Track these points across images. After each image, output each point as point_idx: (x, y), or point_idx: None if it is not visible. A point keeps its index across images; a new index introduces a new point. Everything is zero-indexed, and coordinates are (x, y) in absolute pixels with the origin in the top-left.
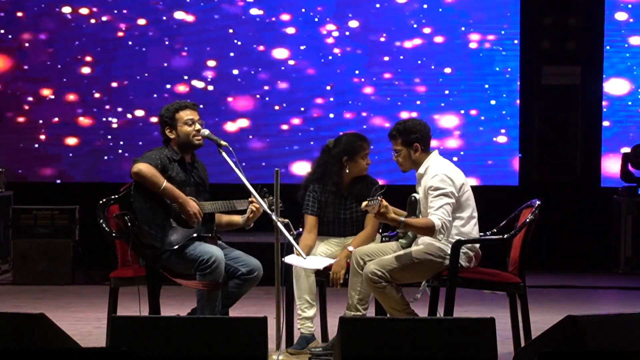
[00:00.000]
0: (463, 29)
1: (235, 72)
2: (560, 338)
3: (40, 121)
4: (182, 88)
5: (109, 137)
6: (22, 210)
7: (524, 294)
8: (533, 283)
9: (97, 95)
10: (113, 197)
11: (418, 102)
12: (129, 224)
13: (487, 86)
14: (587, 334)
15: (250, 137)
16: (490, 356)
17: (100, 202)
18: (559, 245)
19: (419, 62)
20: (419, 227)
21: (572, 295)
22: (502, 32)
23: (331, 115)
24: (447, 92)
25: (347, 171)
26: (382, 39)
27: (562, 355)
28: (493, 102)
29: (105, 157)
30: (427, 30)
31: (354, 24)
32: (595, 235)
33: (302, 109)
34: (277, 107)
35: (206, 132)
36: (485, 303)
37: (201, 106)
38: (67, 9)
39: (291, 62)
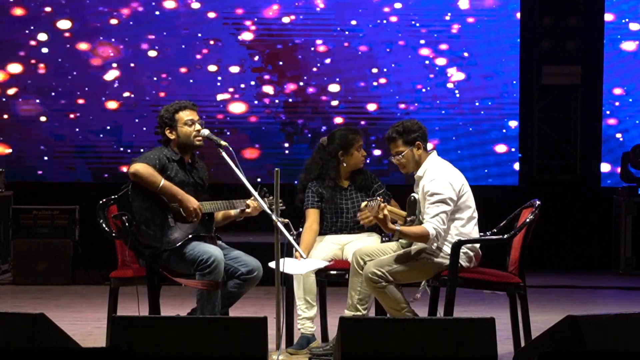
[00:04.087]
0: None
1: None
2: (560, 338)
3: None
4: None
5: None
6: (22, 210)
7: (524, 294)
8: (533, 283)
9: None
10: (113, 197)
11: (416, 104)
12: (127, 224)
13: (486, 86)
14: (587, 334)
15: None
16: (490, 356)
17: (100, 202)
18: (559, 245)
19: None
20: (414, 236)
21: (572, 295)
22: (502, 31)
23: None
24: (446, 91)
25: (344, 165)
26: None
27: (562, 355)
28: (493, 102)
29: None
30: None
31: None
32: (595, 235)
33: None
34: None
35: (206, 132)
36: (485, 303)
37: None
38: None
39: None
